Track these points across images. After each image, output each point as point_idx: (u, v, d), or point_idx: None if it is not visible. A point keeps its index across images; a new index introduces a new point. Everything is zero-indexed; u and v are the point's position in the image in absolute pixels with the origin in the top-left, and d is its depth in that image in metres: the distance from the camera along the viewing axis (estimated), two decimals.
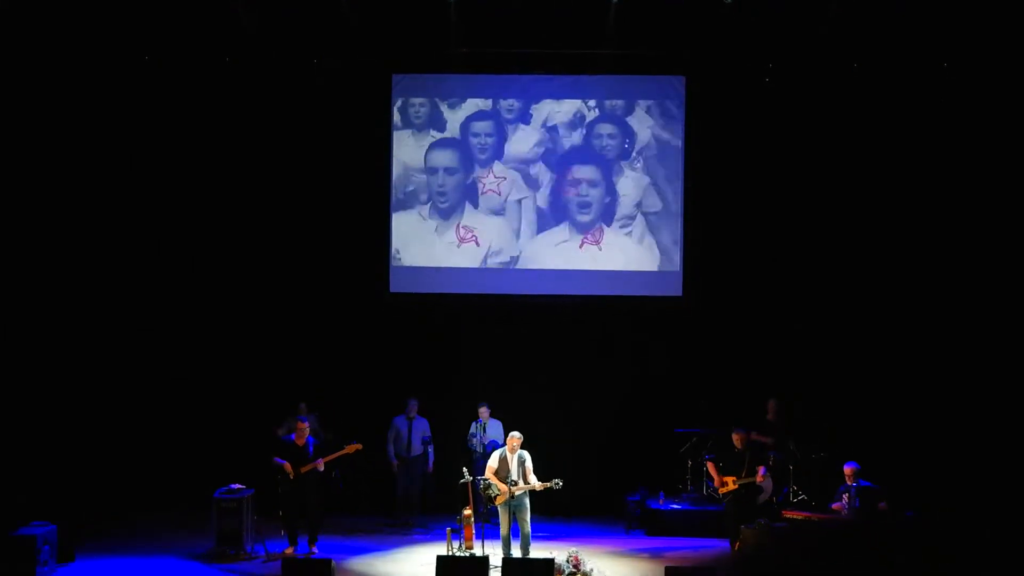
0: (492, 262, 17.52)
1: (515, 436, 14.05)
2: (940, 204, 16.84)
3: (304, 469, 14.60)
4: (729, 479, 14.85)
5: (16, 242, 16.64)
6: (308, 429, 14.91)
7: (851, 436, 16.15)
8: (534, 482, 13.87)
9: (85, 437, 16.77)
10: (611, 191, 17.44)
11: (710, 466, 15.32)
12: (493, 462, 14.11)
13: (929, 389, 16.72)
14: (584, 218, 17.44)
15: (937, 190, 16.83)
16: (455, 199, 17.53)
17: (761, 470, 14.90)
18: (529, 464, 13.95)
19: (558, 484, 13.82)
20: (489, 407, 16.34)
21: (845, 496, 14.24)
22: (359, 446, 14.96)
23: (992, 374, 16.57)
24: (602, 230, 17.42)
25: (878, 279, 17.06)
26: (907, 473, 15.62)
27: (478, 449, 16.13)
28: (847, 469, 14.46)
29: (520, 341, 17.51)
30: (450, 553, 13.98)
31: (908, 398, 16.75)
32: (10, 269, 16.54)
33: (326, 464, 14.76)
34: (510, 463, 13.95)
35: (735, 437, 14.97)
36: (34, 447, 16.08)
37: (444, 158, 17.54)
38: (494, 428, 16.23)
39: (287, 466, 14.55)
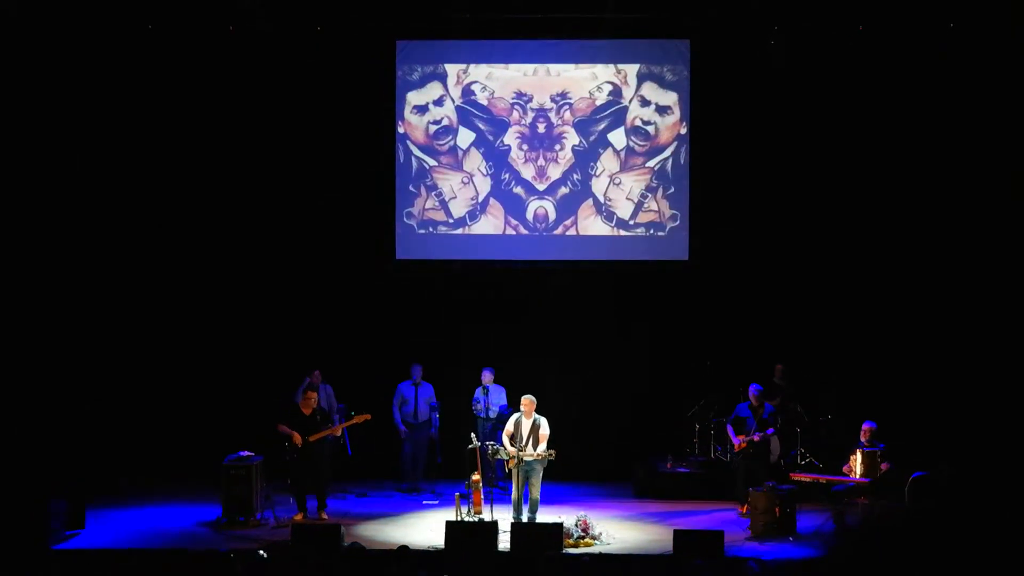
0: (497, 227, 17.52)
1: (526, 400, 14.08)
2: (946, 163, 16.75)
3: (313, 438, 14.62)
4: (740, 437, 14.96)
5: (23, 209, 16.63)
6: (316, 398, 14.93)
7: (859, 398, 16.12)
8: (538, 450, 13.90)
9: (95, 405, 16.77)
10: (617, 155, 17.41)
11: (727, 429, 15.40)
12: (510, 426, 14.17)
13: (938, 349, 16.68)
14: (590, 181, 17.43)
15: (943, 151, 16.75)
16: (461, 165, 17.52)
17: (768, 431, 14.97)
18: (544, 431, 13.97)
19: (551, 455, 13.90)
20: (493, 372, 16.36)
21: (852, 458, 14.25)
22: (368, 416, 15.00)
23: (1002, 333, 16.54)
24: (608, 193, 17.41)
25: (886, 241, 17.01)
26: (916, 434, 15.60)
27: (482, 415, 16.16)
28: (864, 427, 14.42)
29: (526, 306, 17.53)
30: (459, 518, 14.00)
31: (917, 359, 16.72)
32: (18, 237, 16.55)
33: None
34: (522, 428, 14.00)
35: (751, 395, 15.08)
36: (45, 416, 16.09)
37: (449, 124, 17.52)
38: (497, 393, 16.26)
39: (295, 436, 14.58)
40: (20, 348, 16.39)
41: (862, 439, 14.31)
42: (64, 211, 16.88)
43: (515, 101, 17.51)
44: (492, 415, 16.05)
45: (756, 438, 14.97)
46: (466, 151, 17.56)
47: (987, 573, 11.50)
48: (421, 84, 17.56)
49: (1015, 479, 14.99)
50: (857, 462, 14.17)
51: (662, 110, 17.41)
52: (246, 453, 14.85)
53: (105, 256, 17.22)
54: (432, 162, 17.59)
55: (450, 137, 17.58)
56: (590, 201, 17.50)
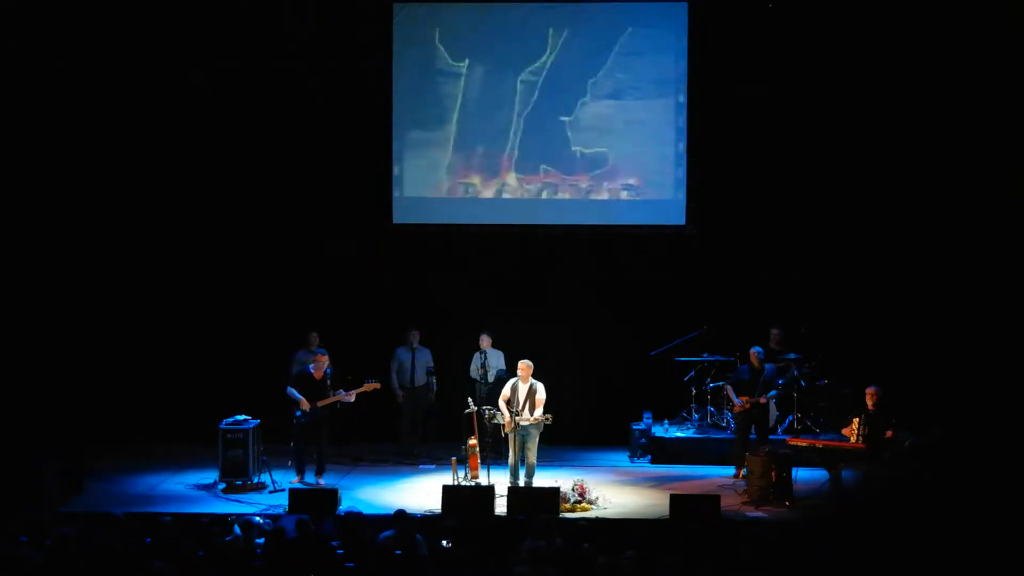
0: (495, 192, 17.48)
1: (523, 365, 14.09)
2: (950, 128, 16.64)
3: (322, 403, 14.61)
4: (743, 398, 15.02)
5: (26, 169, 16.61)
6: (327, 362, 14.90)
7: (857, 363, 16.11)
8: (534, 414, 13.90)
9: (93, 368, 16.82)
10: (614, 119, 17.34)
11: (727, 390, 15.53)
12: (506, 390, 14.19)
13: (938, 315, 16.66)
14: (587, 147, 17.37)
15: (948, 114, 16.61)
16: (457, 130, 17.45)
17: (771, 392, 15.04)
18: (540, 396, 13.98)
19: (548, 419, 13.93)
20: (490, 336, 16.34)
21: (855, 421, 14.17)
22: (378, 385, 15.00)
23: (1002, 300, 16.52)
24: (605, 159, 17.37)
25: (884, 205, 16.94)
26: (914, 400, 15.58)
27: (480, 379, 16.14)
28: (868, 391, 14.24)
29: (523, 271, 17.52)
30: (456, 483, 14.04)
31: (915, 324, 16.70)
32: (17, 195, 16.52)
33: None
34: (519, 392, 14.00)
35: (751, 355, 15.19)
36: (42, 378, 16.12)
37: (446, 89, 17.43)
38: (495, 357, 16.23)
39: (302, 401, 14.55)
40: (17, 313, 16.38)
41: (867, 402, 14.19)
42: (67, 174, 16.88)
43: (511, 65, 17.41)
44: (490, 379, 16.03)
45: (763, 400, 15.04)
46: (464, 114, 17.46)
47: (979, 538, 11.55)
48: (418, 47, 17.44)
49: (1008, 445, 15.03)
50: (859, 424, 14.07)
51: (660, 73, 17.31)
52: (243, 417, 14.84)
53: (106, 222, 17.21)
54: (429, 125, 17.50)
55: (447, 100, 17.47)
56: (587, 165, 17.44)
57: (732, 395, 15.39)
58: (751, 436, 15.17)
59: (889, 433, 13.95)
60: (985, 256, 16.64)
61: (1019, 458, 14.57)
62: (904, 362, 16.43)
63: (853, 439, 14.00)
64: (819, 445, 14.39)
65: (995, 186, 16.58)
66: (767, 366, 15.30)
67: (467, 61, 17.42)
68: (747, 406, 15.12)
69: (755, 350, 15.27)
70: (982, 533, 11.73)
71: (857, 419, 14.02)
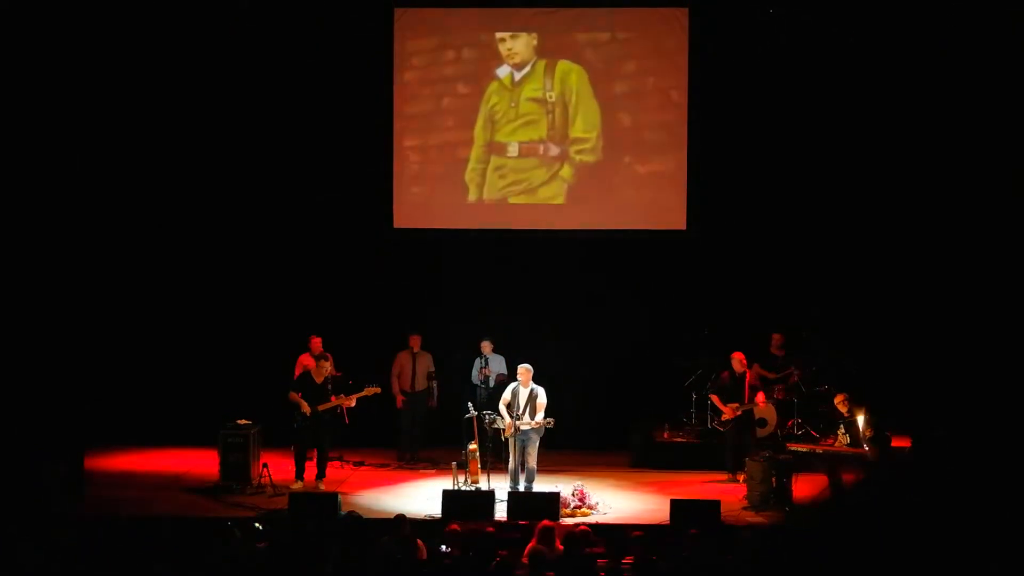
0: (495, 196, 17.47)
1: (523, 369, 14.08)
2: (951, 130, 16.63)
3: (323, 407, 14.60)
4: (731, 406, 14.99)
5: (26, 170, 16.63)
6: (329, 366, 14.89)
7: (856, 368, 16.10)
8: (534, 419, 13.89)
9: (94, 371, 16.83)
10: (614, 124, 17.34)
11: (714, 398, 15.45)
12: (507, 395, 14.18)
13: (939, 319, 16.65)
14: (586, 152, 17.37)
15: (949, 116, 16.60)
16: (458, 134, 17.45)
17: (760, 396, 15.00)
18: (541, 400, 13.97)
19: (549, 423, 13.90)
20: (492, 341, 16.33)
21: (839, 432, 14.15)
22: (378, 389, 15.00)
23: (1003, 302, 16.51)
24: (605, 163, 17.37)
25: (886, 208, 16.94)
26: (915, 402, 15.58)
27: (481, 384, 16.13)
28: (838, 399, 14.18)
29: (523, 275, 17.50)
30: (456, 487, 14.01)
31: (916, 328, 16.69)
32: (18, 196, 16.54)
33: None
34: (520, 397, 13.99)
35: (734, 360, 15.10)
36: (43, 380, 16.08)
37: (447, 92, 17.43)
38: (496, 363, 16.22)
39: (304, 406, 14.54)
40: (18, 314, 16.38)
41: (841, 410, 14.16)
42: (67, 175, 16.88)
43: (512, 69, 17.42)
44: (491, 384, 16.02)
45: (761, 404, 15.01)
46: (464, 118, 17.48)
47: (980, 540, 11.53)
48: (419, 51, 17.46)
49: (1008, 445, 14.99)
50: (842, 433, 14.05)
51: (660, 79, 17.31)
52: (243, 421, 14.82)
53: (107, 223, 17.24)
54: (430, 129, 17.52)
55: (448, 104, 17.49)
56: (588, 169, 17.46)
57: (720, 403, 15.34)
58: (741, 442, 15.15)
59: (868, 432, 13.91)
60: (986, 259, 16.63)
61: (1019, 458, 14.56)
62: (905, 365, 16.45)
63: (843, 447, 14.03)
64: (819, 450, 14.37)
65: (995, 188, 16.57)
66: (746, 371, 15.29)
67: (467, 63, 17.41)
68: (738, 412, 15.07)
69: (737, 356, 15.20)
70: (982, 535, 11.73)
71: (840, 429, 14.05)
